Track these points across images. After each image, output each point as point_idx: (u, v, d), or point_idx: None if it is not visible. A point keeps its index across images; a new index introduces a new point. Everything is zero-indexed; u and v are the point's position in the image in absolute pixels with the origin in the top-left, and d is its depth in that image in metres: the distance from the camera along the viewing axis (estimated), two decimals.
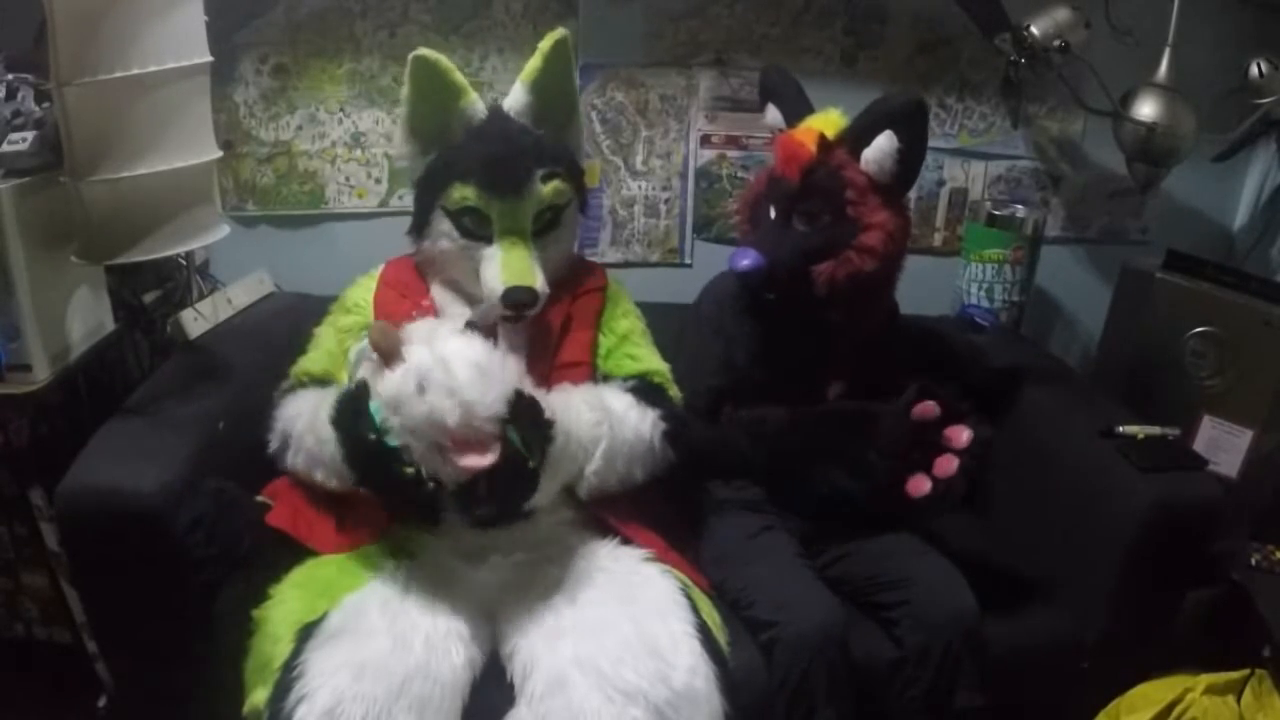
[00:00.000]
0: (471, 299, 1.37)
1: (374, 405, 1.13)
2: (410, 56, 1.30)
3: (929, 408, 1.35)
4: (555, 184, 1.36)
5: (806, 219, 1.43)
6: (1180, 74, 1.69)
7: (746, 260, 1.40)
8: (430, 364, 1.13)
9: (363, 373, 1.20)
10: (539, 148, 1.35)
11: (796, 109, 1.52)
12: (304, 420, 1.28)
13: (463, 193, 1.32)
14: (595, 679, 1.06)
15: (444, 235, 1.36)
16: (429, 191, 1.37)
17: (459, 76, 1.33)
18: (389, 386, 1.13)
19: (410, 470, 1.10)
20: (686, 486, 1.45)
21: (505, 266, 1.31)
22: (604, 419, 1.28)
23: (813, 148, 1.41)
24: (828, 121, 1.45)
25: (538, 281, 1.32)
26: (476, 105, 1.35)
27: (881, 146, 1.38)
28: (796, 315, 1.47)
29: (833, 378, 1.51)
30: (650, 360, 1.44)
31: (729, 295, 1.55)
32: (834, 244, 1.41)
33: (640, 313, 1.51)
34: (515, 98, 1.38)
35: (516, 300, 1.30)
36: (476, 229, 1.34)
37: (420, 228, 1.40)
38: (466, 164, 1.33)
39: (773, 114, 1.55)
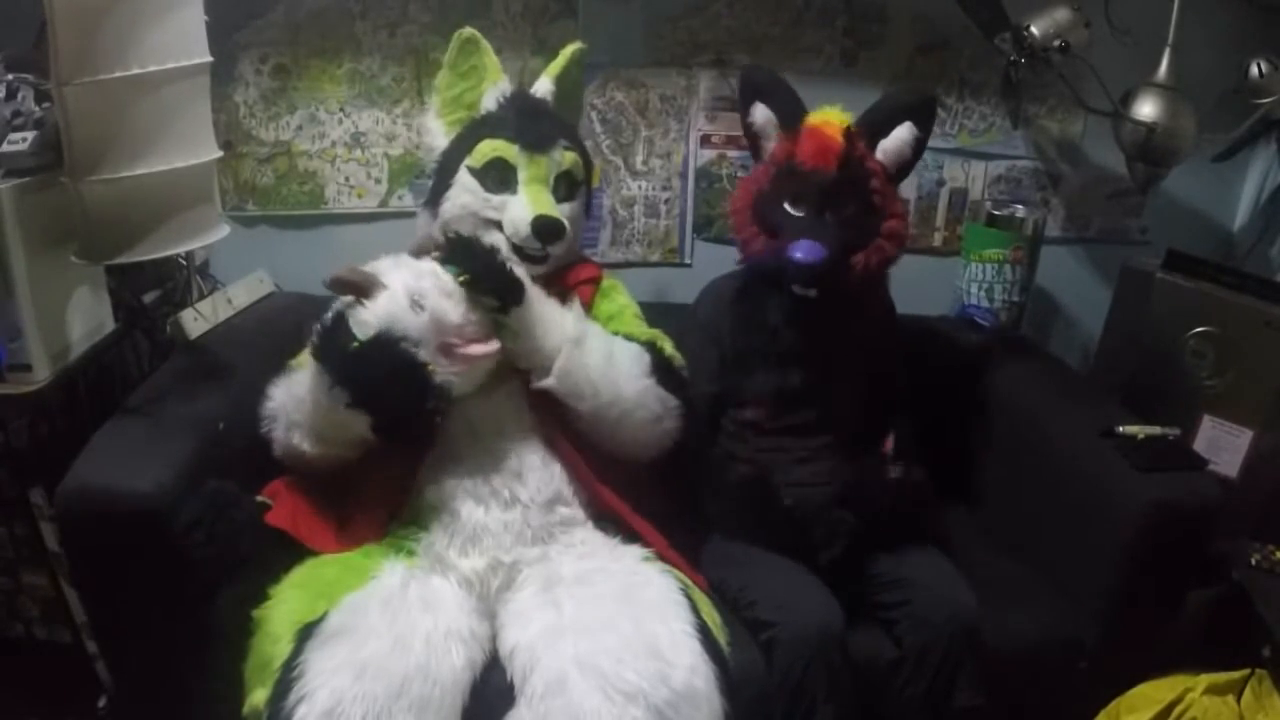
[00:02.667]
0: None
1: (354, 327, 1.19)
2: (456, 35, 1.43)
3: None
4: (575, 155, 1.45)
5: (835, 210, 1.43)
6: (1180, 74, 1.69)
7: (813, 256, 1.37)
8: (415, 279, 1.24)
9: (338, 308, 1.25)
10: (562, 121, 1.47)
11: (789, 106, 1.51)
12: (282, 390, 1.30)
13: (493, 145, 1.39)
14: (595, 679, 1.06)
15: (466, 191, 1.40)
16: (454, 155, 1.42)
17: (495, 58, 1.45)
18: (380, 308, 1.21)
19: (411, 349, 1.18)
20: (686, 482, 1.45)
21: (533, 201, 1.37)
22: (580, 312, 1.36)
23: (840, 139, 1.42)
24: (831, 115, 1.46)
25: (563, 218, 1.37)
26: (506, 83, 1.46)
27: (902, 136, 1.45)
28: (797, 314, 1.47)
29: (834, 377, 1.51)
30: (639, 331, 1.46)
31: (726, 299, 1.55)
32: (866, 234, 1.43)
33: (635, 302, 1.53)
34: (542, 85, 1.48)
35: (545, 227, 1.35)
36: (500, 184, 1.39)
37: (439, 194, 1.43)
38: (498, 121, 1.41)
39: (763, 112, 1.52)
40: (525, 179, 1.39)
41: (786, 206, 1.45)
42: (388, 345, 1.18)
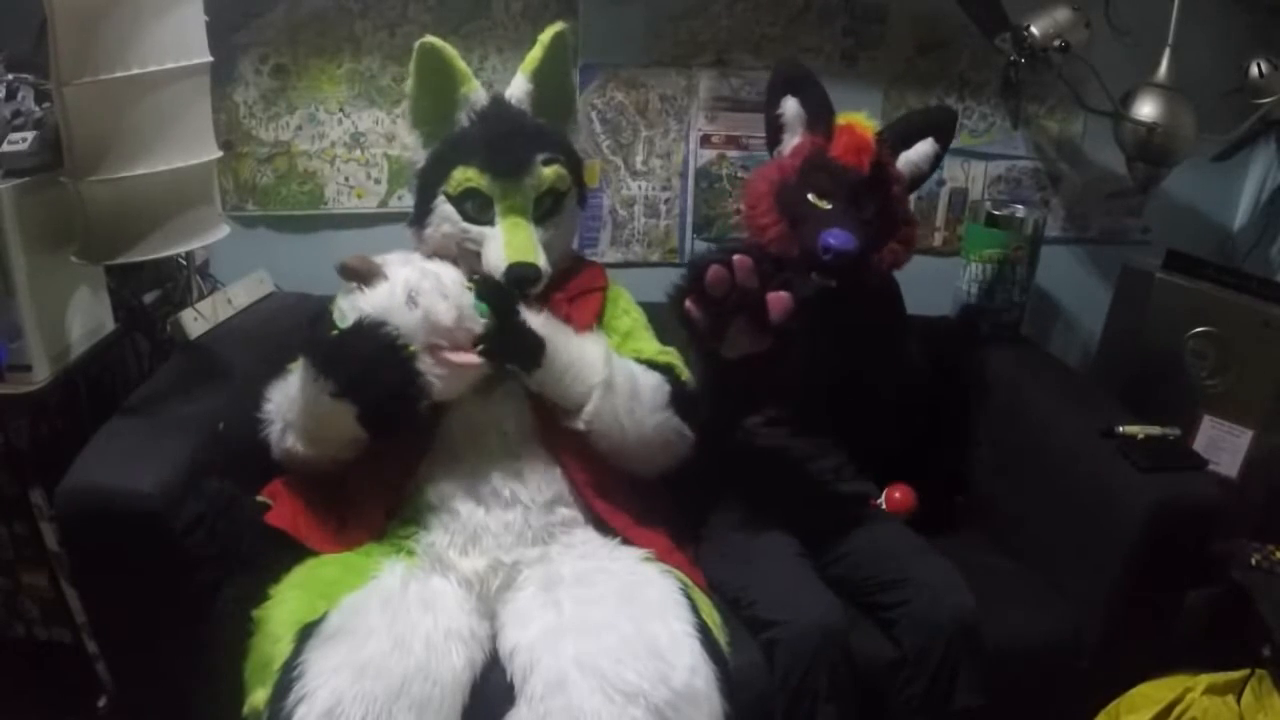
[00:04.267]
0: None
1: (338, 318, 1.19)
2: (416, 45, 1.35)
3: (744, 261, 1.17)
4: (556, 168, 1.38)
5: (859, 208, 1.47)
6: (1180, 74, 1.70)
7: (847, 243, 1.40)
8: (417, 276, 1.23)
9: (340, 298, 1.26)
10: (540, 132, 1.40)
11: (820, 104, 1.53)
12: (279, 392, 1.30)
13: (465, 174, 1.35)
14: (595, 679, 1.06)
15: (446, 220, 1.37)
16: (431, 178, 1.39)
17: (462, 64, 1.38)
18: (376, 298, 1.21)
19: (393, 334, 1.17)
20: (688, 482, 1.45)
21: (508, 244, 1.33)
22: (606, 348, 1.32)
23: (872, 142, 1.47)
24: (858, 120, 1.50)
25: (541, 259, 1.34)
26: (479, 93, 1.39)
27: (924, 151, 1.56)
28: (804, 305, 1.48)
29: (837, 371, 1.51)
30: (654, 348, 1.45)
31: None
32: (882, 235, 1.48)
33: (640, 309, 1.52)
34: (516, 87, 1.42)
35: (520, 276, 1.32)
36: (478, 213, 1.36)
37: (421, 217, 1.41)
38: (469, 146, 1.36)
39: (793, 106, 1.54)
40: (502, 210, 1.35)
41: (811, 198, 1.47)
42: (369, 329, 1.18)
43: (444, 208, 1.37)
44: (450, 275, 1.29)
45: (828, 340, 1.46)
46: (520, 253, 1.32)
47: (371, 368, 1.17)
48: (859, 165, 1.45)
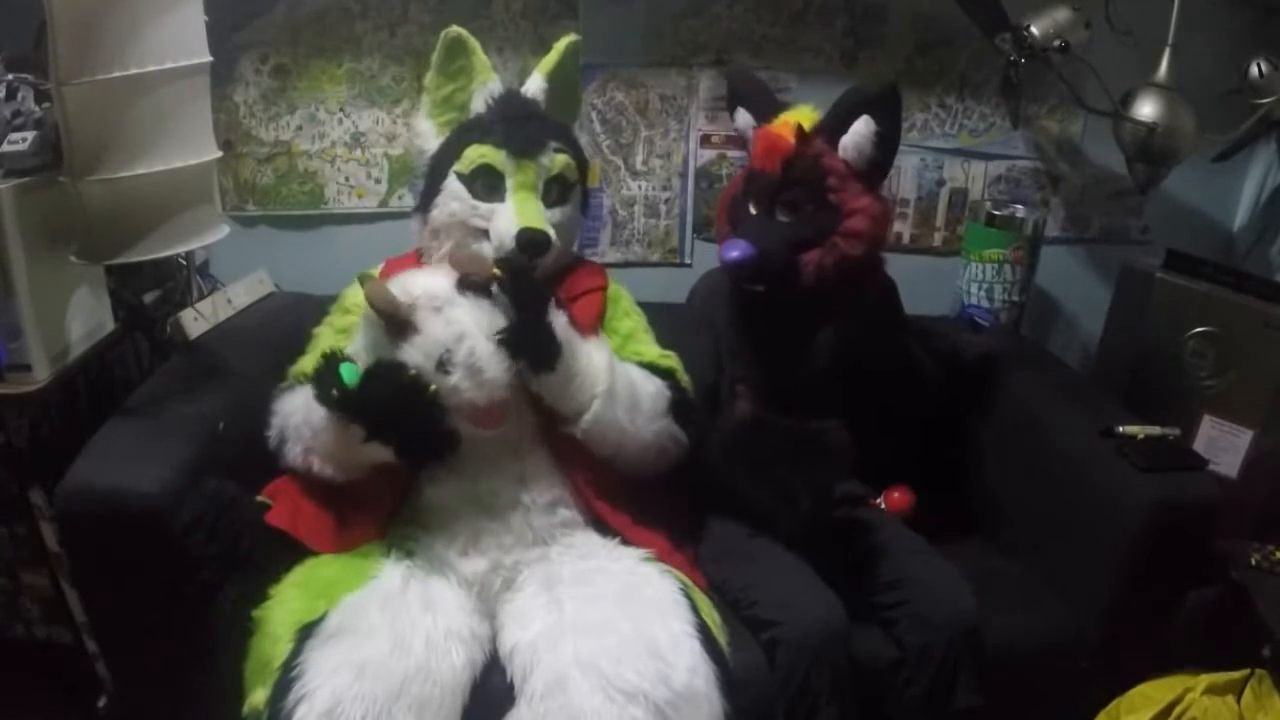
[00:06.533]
0: None
1: (344, 368, 1.18)
2: (443, 34, 1.39)
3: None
4: (566, 158, 1.41)
5: (790, 210, 1.45)
6: (1180, 74, 1.69)
7: (736, 252, 1.41)
8: (448, 340, 1.20)
9: (362, 328, 1.26)
10: (554, 123, 1.43)
11: (768, 109, 1.54)
12: (299, 414, 1.28)
13: (480, 151, 1.37)
14: (596, 679, 1.06)
15: (455, 198, 1.38)
16: (443, 159, 1.40)
17: (484, 56, 1.41)
18: (407, 356, 1.20)
19: (411, 374, 1.17)
20: (687, 482, 1.45)
21: (519, 213, 1.35)
22: (610, 355, 1.32)
23: (791, 139, 1.43)
24: (802, 115, 1.48)
25: (550, 230, 1.35)
26: (497, 84, 1.42)
27: (860, 131, 1.43)
28: (787, 306, 1.47)
29: (824, 370, 1.52)
30: (655, 352, 1.45)
31: (719, 290, 1.56)
32: (820, 232, 1.44)
33: (640, 311, 1.52)
34: (533, 83, 1.45)
35: (530, 240, 1.33)
36: (488, 193, 1.37)
37: (429, 200, 1.42)
38: (485, 126, 1.39)
39: (744, 117, 1.57)
40: (513, 186, 1.37)
41: (750, 207, 1.48)
42: (389, 376, 1.17)
43: (453, 185, 1.38)
44: (479, 328, 1.22)
45: (821, 342, 1.47)
46: (531, 219, 1.34)
47: (400, 414, 1.17)
48: (770, 169, 1.44)
